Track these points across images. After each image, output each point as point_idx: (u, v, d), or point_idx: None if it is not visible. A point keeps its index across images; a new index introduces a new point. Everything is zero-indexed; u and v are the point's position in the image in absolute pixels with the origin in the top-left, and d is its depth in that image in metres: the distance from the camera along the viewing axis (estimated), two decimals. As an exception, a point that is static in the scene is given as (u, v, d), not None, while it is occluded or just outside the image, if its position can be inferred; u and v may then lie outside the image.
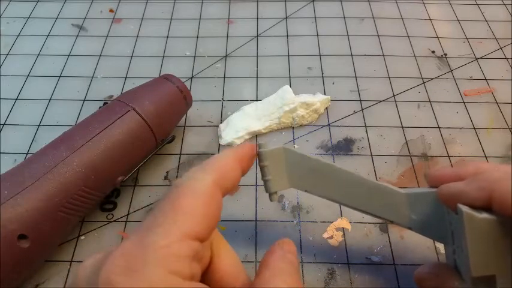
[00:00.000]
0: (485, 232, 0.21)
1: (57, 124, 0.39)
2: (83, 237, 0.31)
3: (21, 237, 0.26)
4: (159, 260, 0.16)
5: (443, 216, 0.24)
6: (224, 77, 0.43)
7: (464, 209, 0.21)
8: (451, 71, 0.43)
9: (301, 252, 0.30)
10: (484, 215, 0.21)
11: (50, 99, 0.41)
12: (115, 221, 0.32)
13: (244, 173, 0.23)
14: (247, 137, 0.37)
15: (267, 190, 0.26)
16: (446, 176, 0.24)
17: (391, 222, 0.26)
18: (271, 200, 0.26)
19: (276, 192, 0.26)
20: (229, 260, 0.21)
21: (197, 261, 0.18)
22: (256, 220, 0.32)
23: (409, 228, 0.25)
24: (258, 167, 0.35)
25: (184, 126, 0.38)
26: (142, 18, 0.49)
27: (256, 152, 0.25)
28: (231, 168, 0.21)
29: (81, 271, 0.18)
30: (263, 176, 0.26)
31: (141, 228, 0.18)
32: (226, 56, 0.45)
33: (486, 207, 0.21)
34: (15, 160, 0.36)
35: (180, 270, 0.17)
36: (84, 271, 0.18)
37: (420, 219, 0.25)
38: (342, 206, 0.33)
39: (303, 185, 0.26)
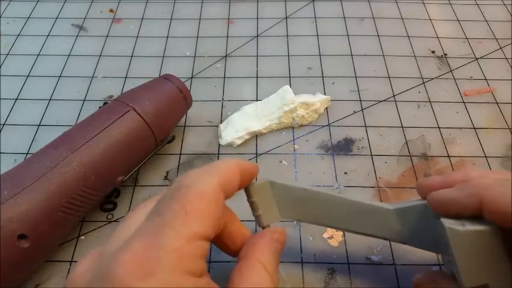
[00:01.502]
0: (472, 243, 0.21)
1: (57, 124, 0.39)
2: (83, 237, 0.31)
3: (21, 237, 0.26)
4: (173, 262, 0.17)
5: (435, 227, 0.24)
6: (224, 77, 0.43)
7: (447, 224, 0.21)
8: (451, 71, 0.43)
9: (301, 252, 0.30)
10: (468, 227, 0.21)
11: (50, 99, 0.41)
12: (115, 221, 0.32)
13: (240, 186, 0.23)
14: (247, 137, 0.37)
15: (259, 225, 0.26)
16: (435, 185, 0.24)
17: (385, 239, 0.26)
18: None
19: (269, 225, 0.26)
20: (237, 224, 0.25)
21: (205, 259, 0.19)
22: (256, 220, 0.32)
23: (404, 243, 0.26)
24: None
25: (184, 126, 0.38)
26: (142, 18, 0.49)
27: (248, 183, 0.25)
28: (234, 176, 0.22)
29: (79, 273, 0.18)
30: (253, 211, 0.26)
31: (148, 230, 0.18)
32: (226, 56, 0.45)
33: (477, 215, 0.21)
34: (15, 160, 0.36)
35: (194, 270, 0.18)
36: (82, 273, 0.18)
37: (413, 233, 0.25)
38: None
39: (293, 214, 0.26)
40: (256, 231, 0.31)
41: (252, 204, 0.26)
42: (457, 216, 0.22)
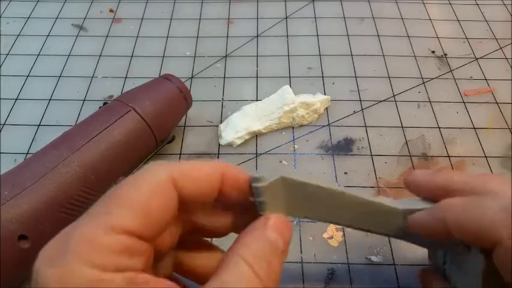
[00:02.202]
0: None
1: (57, 124, 0.39)
2: (83, 237, 0.31)
3: (22, 237, 0.26)
4: (78, 250, 0.15)
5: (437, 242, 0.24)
6: (224, 77, 0.43)
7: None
8: (451, 71, 0.43)
9: (301, 252, 0.30)
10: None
11: (50, 99, 0.41)
12: (115, 221, 0.32)
13: (223, 191, 0.20)
14: (247, 137, 0.37)
15: None
16: (419, 187, 0.24)
17: (388, 235, 0.26)
18: None
19: None
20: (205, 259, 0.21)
21: (135, 256, 0.17)
22: (256, 220, 0.32)
23: (403, 239, 0.26)
24: (257, 169, 0.35)
25: (184, 126, 0.38)
26: (142, 18, 0.49)
27: (250, 185, 0.21)
28: (204, 174, 0.19)
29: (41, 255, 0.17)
30: (259, 210, 0.24)
31: (81, 216, 0.17)
32: (226, 56, 0.45)
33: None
34: (15, 160, 0.36)
35: (102, 263, 0.15)
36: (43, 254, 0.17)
37: (415, 236, 0.25)
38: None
39: (301, 212, 0.25)
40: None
41: (260, 204, 0.24)
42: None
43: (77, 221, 0.17)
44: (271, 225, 0.20)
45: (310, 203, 0.25)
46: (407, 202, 0.25)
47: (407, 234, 0.25)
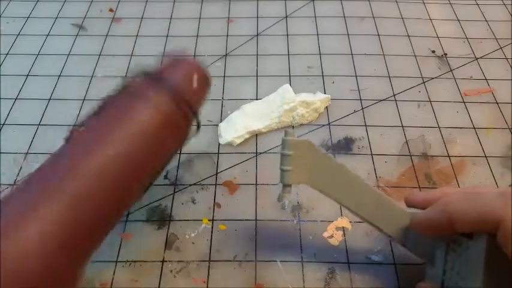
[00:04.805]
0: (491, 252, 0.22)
1: (57, 124, 0.39)
2: (82, 237, 0.31)
3: None
4: None
5: (438, 240, 0.25)
6: (224, 76, 0.43)
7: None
8: (451, 70, 0.43)
9: (302, 252, 0.30)
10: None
11: (49, 99, 0.41)
12: (115, 220, 0.32)
13: None
14: (247, 136, 0.37)
15: (283, 180, 0.25)
16: (418, 201, 0.26)
17: (390, 236, 0.27)
18: (280, 199, 0.26)
19: (290, 186, 0.25)
20: None
21: None
22: (256, 219, 0.32)
23: (403, 245, 0.27)
24: (257, 168, 0.35)
25: (184, 126, 0.38)
26: (142, 18, 0.49)
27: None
28: None
29: None
30: (282, 164, 0.25)
31: None
32: (226, 55, 0.45)
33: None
34: (14, 160, 0.36)
35: None
36: None
37: (415, 239, 0.26)
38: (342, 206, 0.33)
39: (319, 184, 0.26)
40: (256, 234, 0.31)
41: (285, 157, 0.25)
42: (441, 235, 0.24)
43: None
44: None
45: (328, 178, 0.26)
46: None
47: (409, 238, 0.26)
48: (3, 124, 0.39)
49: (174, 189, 0.34)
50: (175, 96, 0.24)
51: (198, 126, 0.27)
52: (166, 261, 0.30)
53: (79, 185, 0.20)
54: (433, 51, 0.45)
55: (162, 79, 0.24)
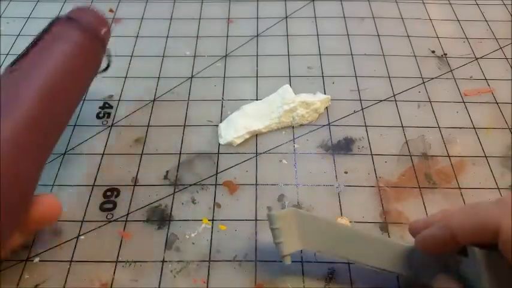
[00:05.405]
0: (497, 262, 0.22)
1: (57, 124, 0.39)
2: (82, 237, 0.31)
3: None
4: None
5: (439, 262, 0.26)
6: (224, 77, 0.43)
7: (475, 249, 0.22)
8: (451, 70, 0.43)
9: (302, 252, 0.30)
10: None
11: (49, 99, 0.41)
12: (115, 220, 0.32)
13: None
14: (247, 136, 0.37)
15: (280, 253, 0.26)
16: (420, 227, 0.26)
17: (395, 272, 0.27)
18: (284, 262, 0.26)
19: (289, 255, 0.26)
20: None
21: None
22: (256, 219, 0.32)
23: (416, 277, 0.27)
24: (257, 168, 0.35)
25: (184, 126, 0.38)
26: (142, 18, 0.49)
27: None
28: None
29: None
30: (275, 238, 0.26)
31: None
32: (226, 56, 0.45)
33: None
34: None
35: None
36: None
37: (424, 269, 0.26)
38: (341, 206, 0.33)
39: (314, 245, 0.27)
40: (256, 234, 0.31)
41: (274, 231, 0.26)
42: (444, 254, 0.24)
43: None
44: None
45: (321, 237, 0.27)
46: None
47: (413, 268, 0.26)
48: (3, 124, 0.39)
49: (174, 189, 0.34)
50: (87, 32, 0.31)
51: (109, 56, 0.35)
52: (166, 261, 0.30)
53: (22, 107, 0.26)
54: (433, 52, 0.45)
55: (75, 19, 0.32)
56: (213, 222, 0.32)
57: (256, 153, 0.36)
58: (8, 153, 0.24)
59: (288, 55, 0.45)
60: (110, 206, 0.33)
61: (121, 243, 0.31)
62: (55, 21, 0.31)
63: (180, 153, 0.36)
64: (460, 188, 0.34)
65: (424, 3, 0.51)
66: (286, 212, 0.26)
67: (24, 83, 0.27)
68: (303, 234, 0.26)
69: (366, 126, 0.38)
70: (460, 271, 0.24)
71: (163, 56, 0.45)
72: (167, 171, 0.35)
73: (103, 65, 0.35)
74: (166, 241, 0.31)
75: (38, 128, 0.26)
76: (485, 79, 0.42)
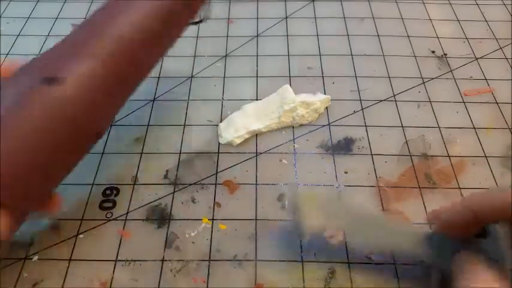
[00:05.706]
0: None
1: (57, 123, 0.39)
2: (81, 236, 0.31)
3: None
4: None
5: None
6: (224, 77, 0.43)
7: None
8: (451, 71, 0.43)
9: (301, 251, 0.30)
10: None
11: (49, 99, 0.41)
12: (114, 219, 0.32)
13: None
14: (247, 136, 0.37)
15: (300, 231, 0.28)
16: (440, 211, 0.27)
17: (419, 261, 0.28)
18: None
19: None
20: None
21: None
22: (256, 219, 0.32)
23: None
24: (257, 168, 0.35)
25: (184, 125, 0.38)
26: (142, 18, 0.49)
27: None
28: None
29: None
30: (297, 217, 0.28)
31: None
32: (226, 56, 0.45)
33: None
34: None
35: None
36: None
37: (443, 253, 0.26)
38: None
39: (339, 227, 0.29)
40: (256, 234, 0.31)
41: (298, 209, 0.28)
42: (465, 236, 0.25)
43: None
44: None
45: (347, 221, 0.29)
46: None
47: (433, 254, 0.26)
48: (3, 124, 0.39)
49: (174, 189, 0.34)
50: None
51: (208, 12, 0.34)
52: (166, 260, 0.30)
53: (104, 45, 0.28)
54: (433, 52, 0.45)
55: None
56: (213, 222, 0.32)
57: (256, 153, 0.36)
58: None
59: (288, 55, 0.45)
60: (110, 204, 0.33)
61: (120, 242, 0.31)
62: None
63: (180, 153, 0.36)
64: (460, 188, 0.34)
65: (424, 3, 0.51)
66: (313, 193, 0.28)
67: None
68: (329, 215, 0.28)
69: (366, 126, 0.38)
70: (480, 252, 0.24)
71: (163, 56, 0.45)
72: (167, 171, 0.35)
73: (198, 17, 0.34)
74: (166, 240, 0.31)
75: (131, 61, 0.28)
76: (485, 79, 0.42)
